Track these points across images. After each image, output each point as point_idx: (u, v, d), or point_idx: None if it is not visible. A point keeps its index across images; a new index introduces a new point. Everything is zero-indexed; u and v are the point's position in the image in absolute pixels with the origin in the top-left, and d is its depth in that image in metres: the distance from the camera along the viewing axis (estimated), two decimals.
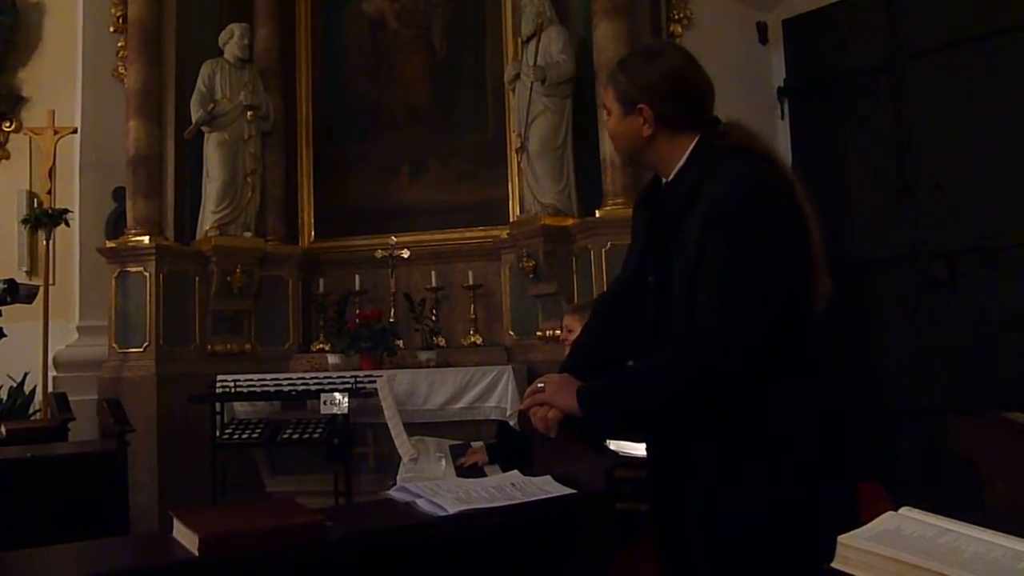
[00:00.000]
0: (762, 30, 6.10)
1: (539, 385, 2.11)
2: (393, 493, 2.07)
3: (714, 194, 1.87)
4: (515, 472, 2.26)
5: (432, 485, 2.08)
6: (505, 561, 2.02)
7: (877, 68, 5.50)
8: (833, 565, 1.19)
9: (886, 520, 1.27)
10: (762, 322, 1.84)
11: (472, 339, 6.42)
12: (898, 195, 5.35)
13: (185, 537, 1.62)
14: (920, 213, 5.24)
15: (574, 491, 2.10)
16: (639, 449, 3.22)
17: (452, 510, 1.90)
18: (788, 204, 1.90)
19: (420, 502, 1.98)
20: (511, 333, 6.39)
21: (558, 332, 5.73)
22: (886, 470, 4.87)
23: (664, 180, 2.09)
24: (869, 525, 1.26)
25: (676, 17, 6.14)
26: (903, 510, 1.30)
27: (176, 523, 1.66)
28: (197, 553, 1.57)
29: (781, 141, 5.92)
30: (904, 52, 5.36)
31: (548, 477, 2.18)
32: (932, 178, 5.20)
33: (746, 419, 1.88)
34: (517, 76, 6.09)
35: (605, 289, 5.46)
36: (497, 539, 2.00)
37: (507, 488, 2.11)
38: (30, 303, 4.90)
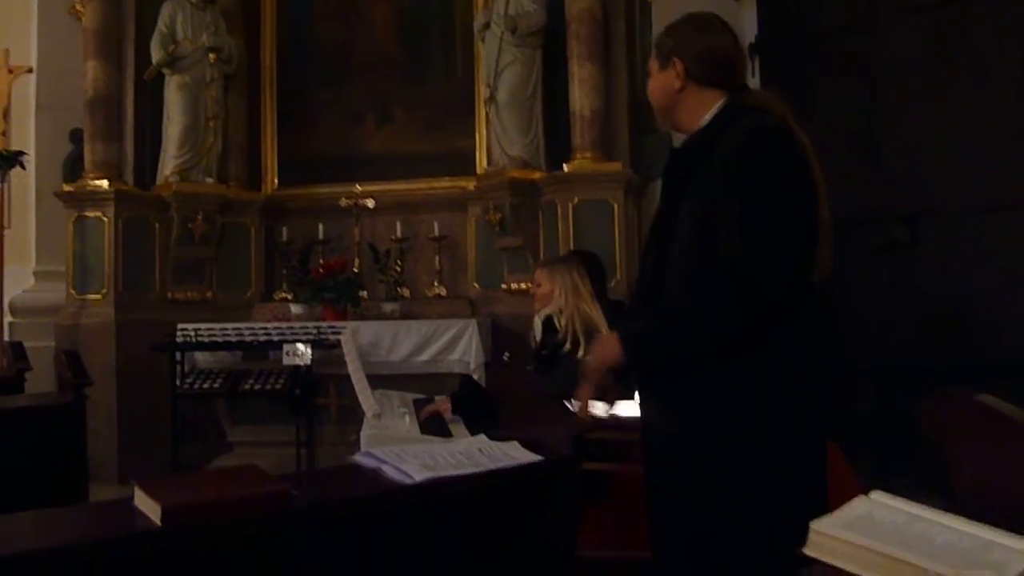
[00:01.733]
0: None
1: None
2: (359, 458, 2.05)
3: (731, 142, 2.02)
4: (482, 436, 2.25)
5: (398, 451, 2.06)
6: (473, 526, 2.01)
7: (850, 28, 5.46)
8: (805, 551, 1.19)
9: (857, 505, 1.27)
10: (792, 251, 1.96)
11: (436, 291, 6.38)
12: (866, 156, 5.35)
13: (147, 506, 1.59)
14: (887, 176, 5.25)
15: (541, 458, 2.09)
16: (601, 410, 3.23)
17: (419, 478, 1.88)
18: (800, 157, 2.03)
19: (386, 468, 1.96)
20: (476, 285, 6.36)
21: (524, 285, 5.72)
22: (843, 431, 4.92)
23: None
24: (840, 511, 1.26)
25: None
26: (873, 494, 1.30)
27: (137, 491, 1.63)
28: (159, 523, 1.54)
29: None
30: (878, 13, 5.33)
31: (515, 442, 2.17)
32: (900, 141, 5.20)
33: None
34: (487, 25, 5.99)
35: (571, 245, 5.47)
36: (465, 505, 1.99)
37: (474, 454, 2.10)
38: None
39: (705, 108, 2.14)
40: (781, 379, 1.97)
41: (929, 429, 1.43)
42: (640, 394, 2.29)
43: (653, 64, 2.24)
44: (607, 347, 2.13)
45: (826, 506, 1.93)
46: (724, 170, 1.99)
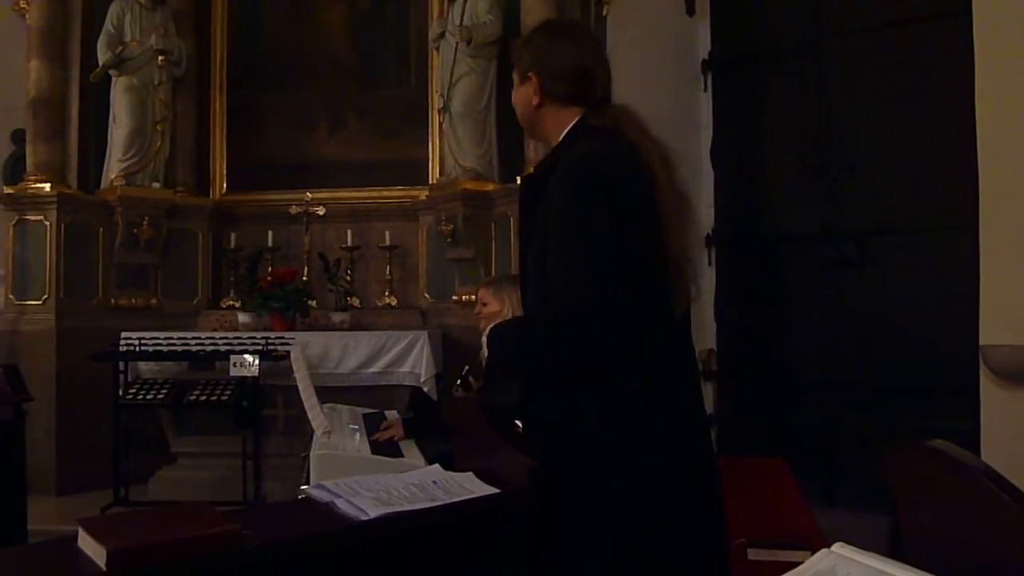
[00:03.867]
0: (689, 1, 6.05)
1: None
2: (311, 491, 2.01)
3: (558, 174, 1.92)
4: (436, 467, 2.22)
5: (351, 483, 2.02)
6: (428, 561, 1.98)
7: (801, 46, 5.51)
8: None
9: (820, 560, 1.26)
10: (593, 291, 1.82)
11: (387, 300, 6.34)
12: (814, 173, 5.41)
13: (92, 549, 1.53)
14: (834, 192, 5.32)
15: (498, 490, 2.07)
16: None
17: (373, 513, 1.84)
18: (621, 188, 1.89)
19: (339, 503, 1.92)
20: (427, 296, 6.33)
21: (475, 297, 5.70)
22: (789, 445, 4.98)
23: None
24: (804, 566, 1.25)
25: None
26: (836, 547, 1.30)
27: (82, 533, 1.57)
28: (104, 568, 1.48)
29: (703, 114, 5.92)
30: (828, 32, 5.39)
31: (470, 474, 2.14)
32: (848, 159, 5.27)
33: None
34: (442, 34, 5.97)
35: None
36: (420, 539, 1.96)
37: (429, 486, 2.07)
38: None
39: (563, 126, 2.03)
40: (610, 425, 1.91)
41: (887, 477, 1.44)
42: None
43: (515, 75, 2.14)
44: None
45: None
46: (551, 199, 1.91)
